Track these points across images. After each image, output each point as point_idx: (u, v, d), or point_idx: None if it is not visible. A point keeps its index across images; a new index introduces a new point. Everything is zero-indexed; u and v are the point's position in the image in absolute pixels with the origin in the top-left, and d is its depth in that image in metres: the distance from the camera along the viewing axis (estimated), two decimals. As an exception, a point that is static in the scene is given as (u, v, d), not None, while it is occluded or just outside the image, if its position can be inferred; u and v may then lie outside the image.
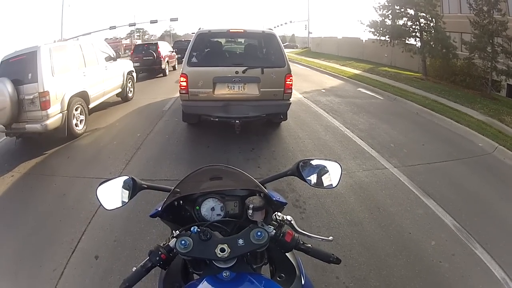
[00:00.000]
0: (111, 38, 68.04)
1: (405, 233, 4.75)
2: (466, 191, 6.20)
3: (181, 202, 1.90)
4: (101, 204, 1.93)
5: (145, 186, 2.01)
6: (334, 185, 2.03)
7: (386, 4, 22.69)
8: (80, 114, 9.50)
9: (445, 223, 5.07)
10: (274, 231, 1.67)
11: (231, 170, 1.92)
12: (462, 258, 4.35)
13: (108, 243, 4.63)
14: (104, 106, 12.04)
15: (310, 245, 1.72)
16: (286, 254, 1.80)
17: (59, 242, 4.76)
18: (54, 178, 6.96)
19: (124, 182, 1.97)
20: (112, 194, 1.95)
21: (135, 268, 1.66)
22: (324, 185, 2.04)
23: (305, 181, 2.03)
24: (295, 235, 1.71)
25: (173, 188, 1.88)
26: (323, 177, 2.03)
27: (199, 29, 8.85)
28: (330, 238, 1.85)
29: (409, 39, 22.85)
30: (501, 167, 7.57)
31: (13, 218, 5.65)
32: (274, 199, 1.83)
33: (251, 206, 1.70)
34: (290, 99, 8.18)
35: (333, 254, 1.68)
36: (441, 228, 4.96)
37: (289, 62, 8.26)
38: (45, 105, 8.14)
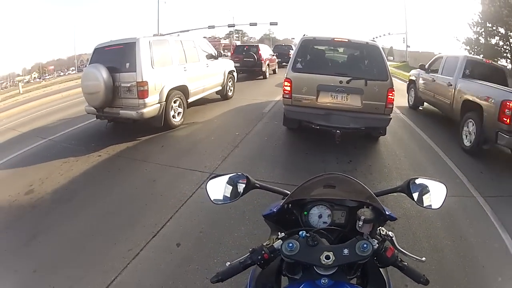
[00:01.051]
0: (209, 37, 69.55)
1: (479, 266, 4.53)
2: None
3: (290, 205, 1.90)
4: (209, 197, 2.01)
5: (258, 185, 2.07)
6: (435, 207, 2.02)
7: (479, 21, 21.73)
8: (179, 107, 9.89)
9: (512, 260, 4.86)
10: (377, 245, 1.65)
11: (348, 179, 1.93)
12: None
13: (193, 233, 4.74)
14: (203, 101, 12.37)
15: (406, 263, 1.68)
16: (380, 269, 1.79)
17: (141, 224, 4.96)
18: (145, 164, 7.25)
19: (237, 178, 2.04)
20: (222, 189, 2.02)
21: (229, 263, 1.66)
22: (425, 205, 2.02)
23: (412, 199, 2.02)
24: (395, 251, 1.70)
25: (288, 192, 1.95)
26: (424, 197, 2.02)
27: (304, 35, 8.82)
28: (423, 259, 1.78)
29: (501, 60, 21.46)
30: None
31: (94, 195, 5.98)
32: (387, 213, 1.85)
33: (362, 217, 1.72)
34: (391, 114, 7.99)
35: (424, 275, 1.65)
36: (509, 264, 4.72)
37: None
38: (142, 94, 8.56)
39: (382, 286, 1.77)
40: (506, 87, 8.40)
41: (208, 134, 9.28)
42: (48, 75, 63.20)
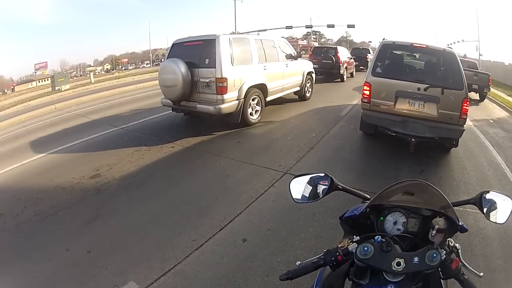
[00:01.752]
0: (287, 37, 70.29)
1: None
2: None
3: (368, 209, 1.89)
4: (291, 195, 2.02)
5: (340, 187, 2.06)
6: (500, 222, 1.92)
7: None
8: (257, 105, 9.88)
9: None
10: (445, 255, 1.60)
11: (429, 187, 1.87)
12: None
13: (261, 230, 4.67)
14: (280, 101, 12.36)
15: (467, 277, 1.63)
16: (441, 280, 1.72)
17: (209, 217, 4.93)
18: (219, 158, 7.27)
19: (318, 179, 2.05)
20: (304, 188, 2.04)
21: (299, 262, 1.67)
22: (490, 219, 1.93)
23: (482, 212, 1.93)
24: (460, 264, 1.65)
25: (369, 196, 1.98)
26: (491, 211, 1.93)
27: (383, 39, 8.66)
28: (481, 274, 1.72)
29: None
30: None
31: (164, 185, 6.03)
32: (460, 224, 1.80)
33: (436, 227, 1.70)
34: (464, 126, 7.66)
35: None
36: None
37: None
38: (221, 90, 8.60)
39: None
40: None
41: (284, 133, 9.20)
42: (122, 67, 66.28)
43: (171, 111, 10.05)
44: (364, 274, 1.64)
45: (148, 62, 71.72)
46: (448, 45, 10.81)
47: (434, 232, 1.69)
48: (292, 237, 4.48)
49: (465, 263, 1.75)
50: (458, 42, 70.50)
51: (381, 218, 1.89)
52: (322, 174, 2.05)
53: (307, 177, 2.05)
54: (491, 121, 13.45)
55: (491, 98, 22.26)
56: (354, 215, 1.89)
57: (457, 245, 1.80)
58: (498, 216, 1.90)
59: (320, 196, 2.02)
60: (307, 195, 2.02)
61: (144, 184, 6.12)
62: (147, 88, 19.34)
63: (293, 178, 2.06)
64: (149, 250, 4.25)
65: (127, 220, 4.95)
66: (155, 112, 11.01)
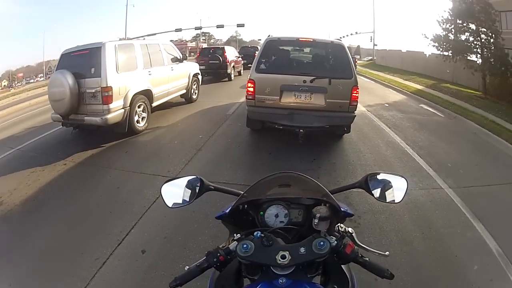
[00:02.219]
0: (176, 40, 69.73)
1: (452, 255, 4.61)
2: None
3: (245, 206, 1.89)
4: (164, 201, 2.00)
5: (212, 187, 2.05)
6: (397, 201, 2.01)
7: (449, 18, 22.11)
8: (143, 112, 9.78)
9: (489, 248, 4.87)
10: (336, 242, 1.63)
11: (302, 177, 1.91)
12: (499, 284, 4.24)
13: (158, 239, 4.70)
14: (167, 105, 12.32)
15: (367, 259, 1.66)
16: (342, 266, 1.78)
17: (106, 232, 4.89)
18: (109, 170, 7.18)
19: (191, 181, 2.03)
20: (176, 192, 2.01)
21: (188, 267, 1.66)
22: (387, 200, 2.02)
23: (371, 194, 2.02)
24: (355, 247, 1.67)
25: (242, 192, 1.90)
26: (387, 192, 2.02)
27: (268, 36, 8.83)
28: (387, 253, 1.80)
29: (471, 56, 21.92)
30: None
31: (61, 204, 5.89)
32: (342, 210, 1.84)
33: (317, 215, 1.69)
34: (355, 112, 8.05)
35: (387, 270, 1.64)
36: (485, 252, 4.79)
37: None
38: (107, 99, 8.43)
39: (345, 283, 1.75)
40: None
41: (171, 138, 9.24)
42: (18, 83, 62.41)
43: (61, 126, 9.62)
44: (256, 270, 1.65)
45: (42, 75, 67.96)
46: (340, 37, 11.32)
47: (316, 220, 1.68)
48: (189, 242, 4.59)
49: (365, 246, 1.85)
50: (352, 34, 73.51)
51: (261, 213, 1.88)
52: (194, 176, 2.04)
53: (181, 180, 2.03)
54: (386, 105, 14.31)
55: (387, 84, 23.55)
56: (224, 214, 1.90)
57: (349, 229, 1.88)
58: (395, 195, 1.99)
59: (192, 199, 2.01)
60: (181, 200, 2.01)
61: (43, 207, 5.92)
62: (40, 103, 18.35)
63: (164, 184, 2.04)
64: (58, 274, 4.16)
65: (36, 248, 4.77)
66: (47, 128, 10.51)
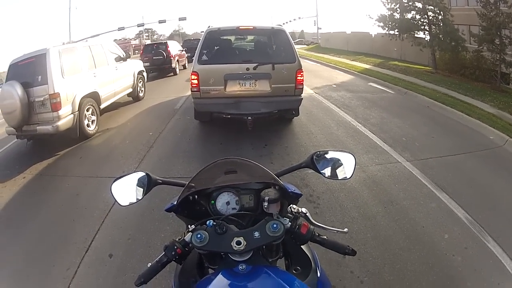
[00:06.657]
0: (120, 39, 68.56)
1: (418, 226, 4.73)
2: (477, 184, 6.13)
3: (196, 197, 1.89)
4: (115, 200, 1.96)
5: (160, 181, 2.02)
6: (348, 177, 2.03)
7: (394, -2, 22.45)
8: (92, 115, 9.57)
9: (457, 217, 5.02)
10: (290, 223, 1.66)
11: (246, 162, 1.91)
12: (475, 251, 4.33)
13: (122, 241, 4.68)
14: (115, 106, 12.12)
15: (325, 237, 1.71)
16: (302, 247, 1.81)
17: (73, 241, 4.80)
18: (67, 178, 7.02)
19: (139, 178, 1.98)
20: (127, 190, 1.97)
21: (149, 264, 1.66)
22: (339, 178, 2.04)
23: (320, 173, 2.03)
24: (311, 227, 1.71)
25: (187, 183, 1.87)
26: (337, 170, 2.03)
27: (209, 27, 8.84)
28: (345, 230, 1.84)
29: (418, 33, 22.39)
30: (512, 160, 7.48)
31: (25, 219, 5.71)
32: (290, 190, 1.84)
33: (266, 198, 1.73)
34: (302, 95, 8.15)
35: (348, 246, 1.67)
36: (453, 221, 4.92)
37: (300, 58, 8.21)
38: (55, 106, 8.22)
39: (307, 263, 1.79)
40: None
41: (123, 138, 9.16)
42: None
43: (16, 139, 9.30)
44: (215, 258, 1.69)
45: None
46: (282, 24, 11.40)
47: (266, 203, 1.74)
48: (152, 240, 4.60)
49: (321, 225, 1.88)
50: (295, 19, 73.99)
51: (212, 201, 1.90)
52: (140, 172, 2.00)
53: (126, 179, 1.99)
54: (334, 86, 14.47)
55: (333, 65, 23.75)
56: (173, 206, 1.89)
57: (302, 209, 1.89)
58: (346, 172, 2.02)
59: (142, 196, 1.97)
60: (132, 197, 1.97)
61: (11, 223, 5.72)
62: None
63: (112, 183, 1.98)
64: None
65: (8, 267, 4.62)
66: (4, 142, 10.17)
